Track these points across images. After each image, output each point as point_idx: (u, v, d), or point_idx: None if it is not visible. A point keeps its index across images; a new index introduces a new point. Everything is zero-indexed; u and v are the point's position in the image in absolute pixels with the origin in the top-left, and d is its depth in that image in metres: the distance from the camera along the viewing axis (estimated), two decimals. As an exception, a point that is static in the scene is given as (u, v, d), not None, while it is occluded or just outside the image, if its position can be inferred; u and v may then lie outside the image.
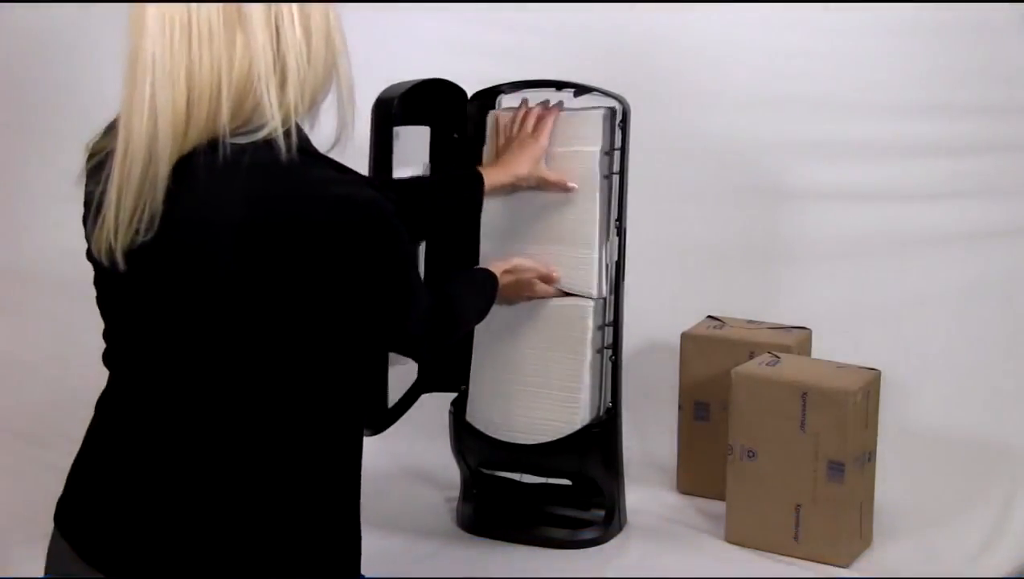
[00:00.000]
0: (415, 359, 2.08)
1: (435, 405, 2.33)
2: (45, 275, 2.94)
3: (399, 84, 2.13)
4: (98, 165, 1.41)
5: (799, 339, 2.44)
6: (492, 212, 2.25)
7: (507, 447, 2.24)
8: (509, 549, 2.24)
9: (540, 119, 2.18)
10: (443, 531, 2.32)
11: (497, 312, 2.23)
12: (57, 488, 1.53)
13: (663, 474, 2.54)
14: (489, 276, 1.99)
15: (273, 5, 1.37)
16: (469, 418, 2.27)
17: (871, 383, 2.19)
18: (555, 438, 2.20)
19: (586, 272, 2.20)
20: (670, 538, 2.30)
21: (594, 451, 2.23)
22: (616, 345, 2.24)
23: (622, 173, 2.21)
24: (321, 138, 1.46)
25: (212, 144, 1.36)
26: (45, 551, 1.52)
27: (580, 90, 2.23)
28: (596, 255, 2.20)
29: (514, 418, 2.23)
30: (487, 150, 2.26)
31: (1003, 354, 2.79)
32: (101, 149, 1.43)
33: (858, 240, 2.86)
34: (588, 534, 2.26)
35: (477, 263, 2.27)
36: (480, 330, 2.26)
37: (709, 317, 2.55)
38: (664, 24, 2.84)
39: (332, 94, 1.45)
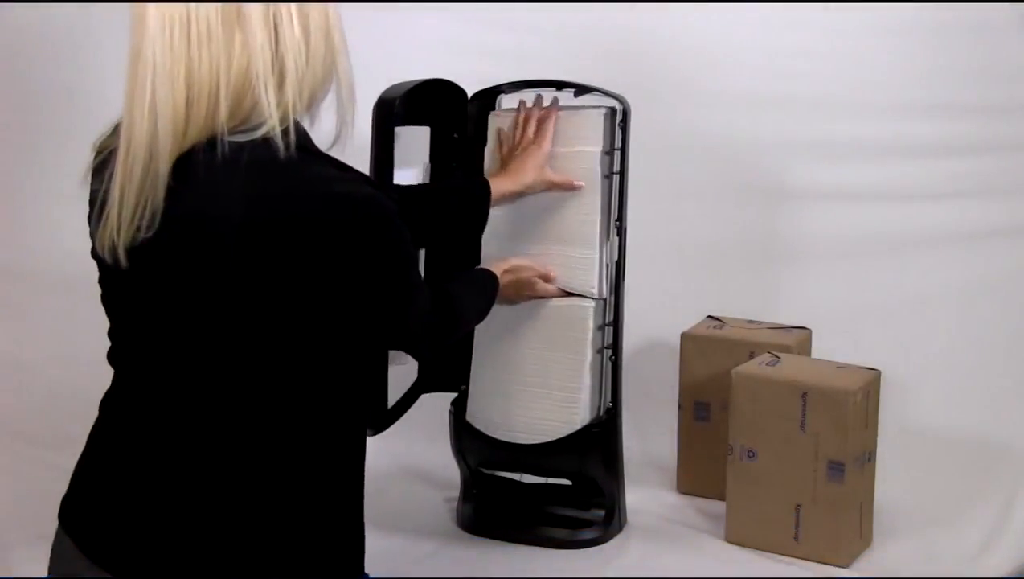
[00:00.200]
0: (415, 357, 2.07)
1: (435, 405, 2.33)
2: (46, 275, 2.94)
3: (400, 84, 2.13)
4: (103, 163, 1.42)
5: (799, 339, 2.44)
6: (493, 213, 2.25)
7: (507, 447, 2.24)
8: (509, 549, 2.24)
9: (540, 122, 2.18)
10: (443, 531, 2.32)
11: (497, 312, 2.23)
12: (57, 488, 1.53)
13: (663, 474, 2.54)
14: (489, 276, 1.99)
15: (272, 4, 1.37)
16: (469, 418, 2.27)
17: (871, 383, 2.19)
18: (555, 438, 2.20)
19: (586, 272, 2.20)
20: (670, 538, 2.30)
21: (594, 451, 2.23)
22: (616, 345, 2.24)
23: (622, 173, 2.21)
24: (321, 136, 1.46)
25: (211, 142, 1.36)
26: (46, 551, 1.52)
27: (580, 90, 2.23)
28: (596, 255, 2.20)
29: (514, 418, 2.23)
30: (488, 153, 2.26)
31: (1003, 354, 2.79)
32: (107, 147, 1.44)
33: (858, 240, 2.86)
34: (588, 534, 2.27)
35: (478, 263, 2.27)
36: (480, 330, 2.26)
37: (709, 317, 2.55)
38: (664, 24, 2.84)
39: (332, 93, 1.45)
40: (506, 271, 2.06)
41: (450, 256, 2.27)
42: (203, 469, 1.43)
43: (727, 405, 2.25)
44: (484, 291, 1.96)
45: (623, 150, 2.21)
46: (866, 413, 2.18)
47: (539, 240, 2.22)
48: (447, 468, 2.38)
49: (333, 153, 1.45)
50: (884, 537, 2.27)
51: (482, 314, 1.97)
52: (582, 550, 2.24)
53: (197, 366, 1.42)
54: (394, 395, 2.22)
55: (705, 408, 2.45)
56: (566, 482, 2.33)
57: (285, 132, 1.37)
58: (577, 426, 2.20)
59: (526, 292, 2.15)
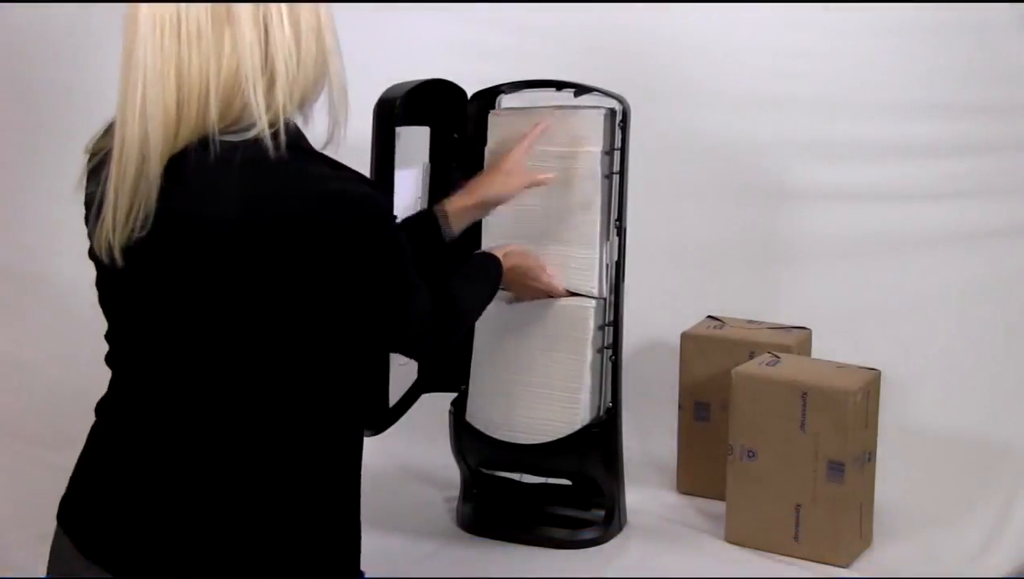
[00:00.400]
0: (416, 358, 2.03)
1: (435, 405, 2.33)
2: (46, 275, 2.94)
3: (401, 84, 2.13)
4: (98, 165, 1.42)
5: (799, 339, 2.44)
6: (493, 212, 2.25)
7: (507, 447, 2.24)
8: (509, 549, 2.24)
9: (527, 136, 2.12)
10: (443, 531, 2.32)
11: (497, 312, 2.24)
12: (57, 488, 1.53)
13: (663, 474, 2.54)
14: (491, 261, 1.94)
15: (262, 5, 1.36)
16: (469, 418, 2.27)
17: (871, 383, 2.19)
18: (555, 438, 2.20)
19: (586, 272, 2.20)
20: (670, 538, 2.30)
21: (594, 451, 2.23)
22: (616, 345, 2.24)
23: (622, 173, 2.21)
24: (315, 135, 1.46)
25: (203, 142, 1.36)
26: (46, 551, 1.52)
27: (580, 90, 2.23)
28: (596, 255, 2.20)
29: (514, 418, 2.23)
30: (488, 153, 2.26)
31: (1003, 354, 2.79)
32: (100, 149, 1.44)
33: (858, 240, 2.86)
34: (588, 534, 2.27)
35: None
36: (480, 330, 2.26)
37: (709, 317, 2.55)
38: (664, 24, 2.84)
39: (324, 93, 1.45)
40: (507, 254, 2.00)
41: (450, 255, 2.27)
42: (200, 469, 1.43)
43: (727, 405, 2.25)
44: (487, 278, 1.92)
45: (623, 150, 2.21)
46: (866, 413, 2.18)
47: (539, 240, 2.22)
48: (447, 468, 2.38)
49: (327, 152, 1.44)
50: (884, 537, 2.27)
51: (487, 301, 1.92)
52: (582, 550, 2.24)
53: (193, 366, 1.42)
54: (394, 395, 2.22)
55: (705, 408, 2.45)
56: (566, 482, 2.33)
57: (276, 133, 1.37)
58: (577, 426, 2.20)
59: (531, 280, 2.12)
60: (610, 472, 2.26)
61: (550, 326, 2.21)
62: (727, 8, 2.82)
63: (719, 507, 2.30)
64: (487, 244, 2.26)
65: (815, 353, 2.48)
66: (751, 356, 2.33)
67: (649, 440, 2.62)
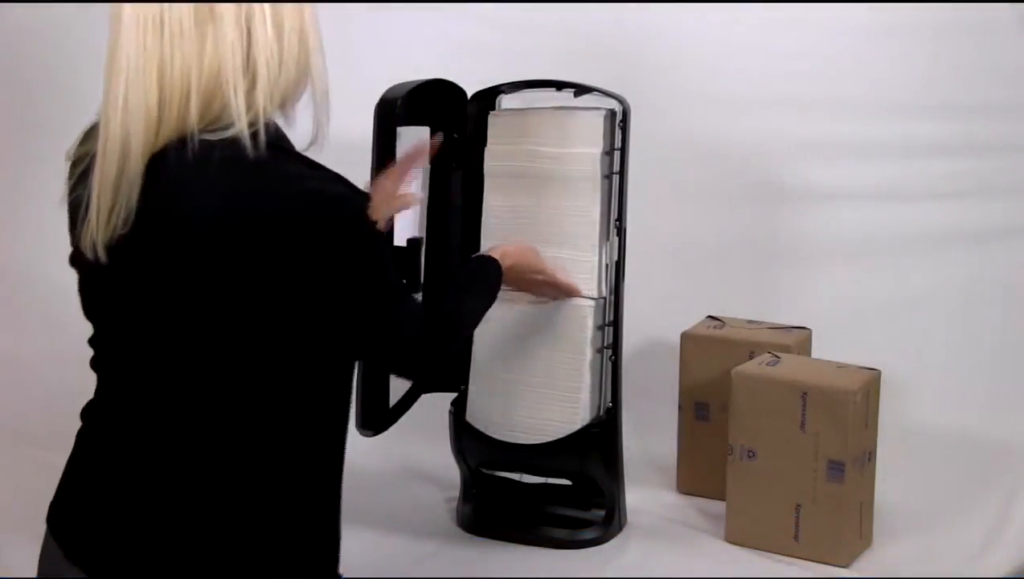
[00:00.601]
0: (412, 374, 1.81)
1: (435, 405, 2.33)
2: (45, 275, 2.94)
3: (402, 84, 2.12)
4: (85, 170, 1.43)
5: (799, 339, 2.44)
6: (492, 212, 2.26)
7: (507, 447, 2.24)
8: (509, 549, 2.24)
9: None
10: (443, 531, 2.32)
11: (497, 312, 2.24)
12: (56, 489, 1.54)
13: (663, 474, 2.54)
14: (488, 263, 1.89)
15: (244, 5, 1.36)
16: (469, 418, 2.27)
17: (871, 383, 2.19)
18: (555, 438, 2.20)
19: (586, 272, 2.20)
20: (670, 538, 2.30)
21: (594, 451, 2.23)
22: (616, 345, 2.24)
23: (622, 173, 2.21)
24: (297, 136, 1.46)
25: (184, 141, 1.37)
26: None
27: (580, 90, 2.23)
28: (596, 255, 2.20)
29: (514, 418, 2.24)
30: (488, 153, 2.26)
31: (1003, 354, 2.80)
32: (84, 155, 1.44)
33: (858, 240, 2.87)
34: (588, 534, 2.26)
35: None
36: (480, 330, 2.26)
37: (709, 317, 2.55)
38: (664, 24, 2.84)
39: (309, 94, 1.44)
40: (504, 254, 1.94)
41: (449, 255, 2.27)
42: (178, 472, 1.42)
43: (727, 405, 2.25)
44: (485, 282, 1.87)
45: (623, 150, 2.21)
46: (866, 413, 2.18)
47: (539, 240, 2.21)
48: (447, 468, 2.38)
49: (310, 154, 1.43)
50: (884, 537, 2.27)
51: (486, 307, 1.87)
52: (582, 550, 2.24)
53: (174, 369, 1.42)
54: (394, 395, 2.22)
55: (705, 408, 2.45)
56: (566, 482, 2.33)
57: (255, 132, 1.36)
58: (577, 426, 2.20)
59: (534, 274, 2.06)
60: (610, 472, 2.26)
61: (550, 326, 2.21)
62: (727, 8, 2.82)
63: (719, 507, 2.30)
64: (486, 245, 2.26)
65: (815, 353, 2.48)
66: (751, 356, 2.33)
67: (649, 440, 2.61)
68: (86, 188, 1.40)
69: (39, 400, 2.82)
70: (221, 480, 1.43)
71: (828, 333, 2.55)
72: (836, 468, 2.14)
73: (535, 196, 2.22)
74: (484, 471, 2.34)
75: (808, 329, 2.50)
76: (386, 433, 2.18)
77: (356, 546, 2.23)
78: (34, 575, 1.55)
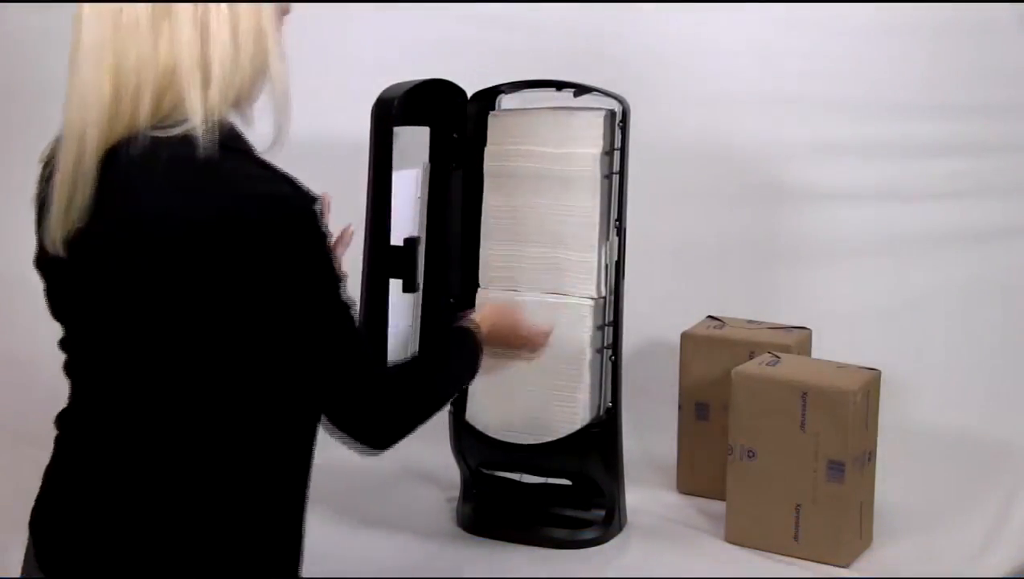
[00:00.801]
0: (363, 437, 1.56)
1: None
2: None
3: (399, 84, 2.12)
4: (54, 170, 1.43)
5: (799, 339, 2.44)
6: (492, 212, 2.26)
7: (507, 447, 2.24)
8: (509, 549, 2.24)
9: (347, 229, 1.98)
10: (443, 531, 2.32)
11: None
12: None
13: (663, 474, 2.54)
14: (466, 335, 1.75)
15: (201, 4, 1.36)
16: (469, 418, 2.27)
17: (871, 383, 2.19)
18: (555, 438, 2.20)
19: (586, 272, 2.20)
20: (670, 538, 2.30)
21: (594, 451, 2.23)
22: (616, 345, 2.24)
23: (622, 173, 2.21)
24: (259, 138, 1.45)
25: (135, 137, 1.37)
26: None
27: (580, 90, 2.23)
28: (596, 255, 2.20)
29: (514, 418, 2.23)
30: (488, 153, 2.26)
31: (1003, 354, 2.80)
32: (54, 154, 1.44)
33: (858, 240, 2.87)
34: (588, 534, 2.26)
35: (477, 264, 2.27)
36: (480, 330, 2.26)
37: (709, 317, 2.55)
38: (664, 24, 2.84)
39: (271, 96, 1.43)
40: (482, 319, 1.80)
41: (449, 255, 2.27)
42: (136, 480, 1.41)
43: (727, 405, 2.25)
44: (462, 356, 1.73)
45: (623, 150, 2.21)
46: (866, 413, 2.18)
47: (539, 241, 2.22)
48: (447, 468, 2.38)
49: (270, 156, 1.42)
50: (884, 537, 2.27)
51: (463, 381, 1.76)
52: (582, 550, 2.24)
53: (131, 372, 1.40)
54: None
55: (705, 408, 2.45)
56: (566, 482, 2.33)
57: (206, 131, 1.35)
58: (577, 426, 2.20)
59: (514, 330, 1.91)
60: (610, 472, 2.26)
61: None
62: (727, 8, 2.82)
63: (719, 507, 2.30)
64: (486, 245, 2.26)
65: (815, 353, 2.48)
66: (751, 356, 2.33)
67: (649, 440, 2.62)
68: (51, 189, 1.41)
69: (39, 400, 2.82)
70: (178, 487, 1.41)
71: (828, 333, 2.55)
72: (836, 468, 2.14)
73: (535, 196, 2.22)
74: (484, 471, 2.34)
75: (808, 329, 2.50)
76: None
77: (356, 546, 2.24)
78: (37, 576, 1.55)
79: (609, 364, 2.24)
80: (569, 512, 2.32)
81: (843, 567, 2.16)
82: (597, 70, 2.42)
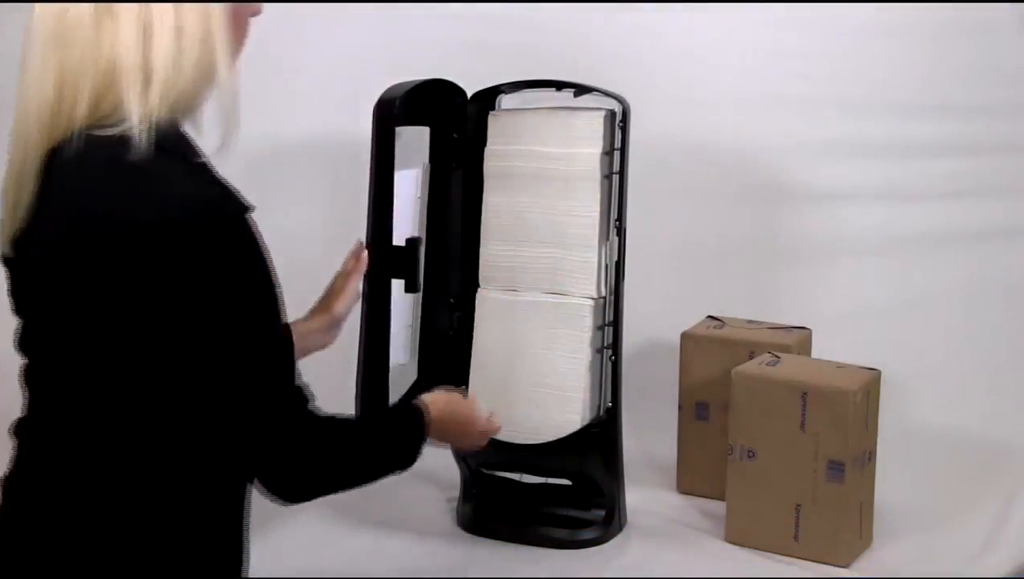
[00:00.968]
0: (273, 479, 1.47)
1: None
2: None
3: (401, 84, 2.12)
4: None
5: (799, 339, 2.44)
6: (492, 212, 2.26)
7: (507, 447, 2.24)
8: (509, 549, 2.24)
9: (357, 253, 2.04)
10: (443, 531, 2.32)
11: (496, 312, 2.24)
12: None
13: (663, 474, 2.54)
14: (412, 410, 1.67)
15: (146, 5, 1.36)
16: (469, 418, 2.27)
17: (871, 383, 2.19)
18: (555, 438, 2.20)
19: (586, 272, 2.20)
20: (670, 538, 2.30)
21: (594, 451, 2.23)
22: (616, 345, 2.24)
23: (622, 173, 2.21)
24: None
25: (72, 136, 1.37)
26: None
27: (580, 90, 2.23)
28: (596, 255, 2.20)
29: (514, 418, 2.23)
30: (488, 153, 2.26)
31: (1003, 354, 2.80)
32: None
33: (858, 240, 2.87)
34: (588, 534, 2.26)
35: (477, 264, 2.27)
36: (480, 329, 2.26)
37: (709, 317, 2.55)
38: (664, 24, 2.84)
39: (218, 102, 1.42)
40: (433, 402, 1.72)
41: (449, 255, 2.27)
42: (69, 491, 1.40)
43: (727, 405, 2.25)
44: (400, 430, 1.63)
45: (623, 150, 2.21)
46: (866, 413, 2.18)
47: (539, 241, 2.22)
48: (447, 468, 2.38)
49: (218, 161, 1.41)
50: (884, 537, 2.27)
51: (395, 457, 1.60)
52: (582, 550, 2.24)
53: (66, 381, 1.40)
54: (394, 395, 2.21)
55: (705, 408, 2.45)
56: (566, 482, 2.33)
57: (143, 132, 1.34)
58: (577, 426, 2.20)
59: (465, 425, 1.83)
60: (610, 472, 2.26)
61: (549, 326, 2.21)
62: (727, 8, 2.82)
63: (719, 507, 2.30)
64: (486, 245, 2.26)
65: (815, 353, 2.48)
66: (751, 356, 2.33)
67: (649, 440, 2.61)
68: None
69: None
70: (110, 497, 1.40)
71: (828, 333, 2.55)
72: (836, 468, 2.14)
73: (535, 196, 2.21)
74: (484, 471, 2.34)
75: (808, 329, 2.50)
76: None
77: (356, 546, 2.24)
78: None
79: (609, 364, 2.24)
80: (569, 512, 2.32)
81: (843, 567, 2.16)
82: (597, 70, 2.42)
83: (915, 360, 2.74)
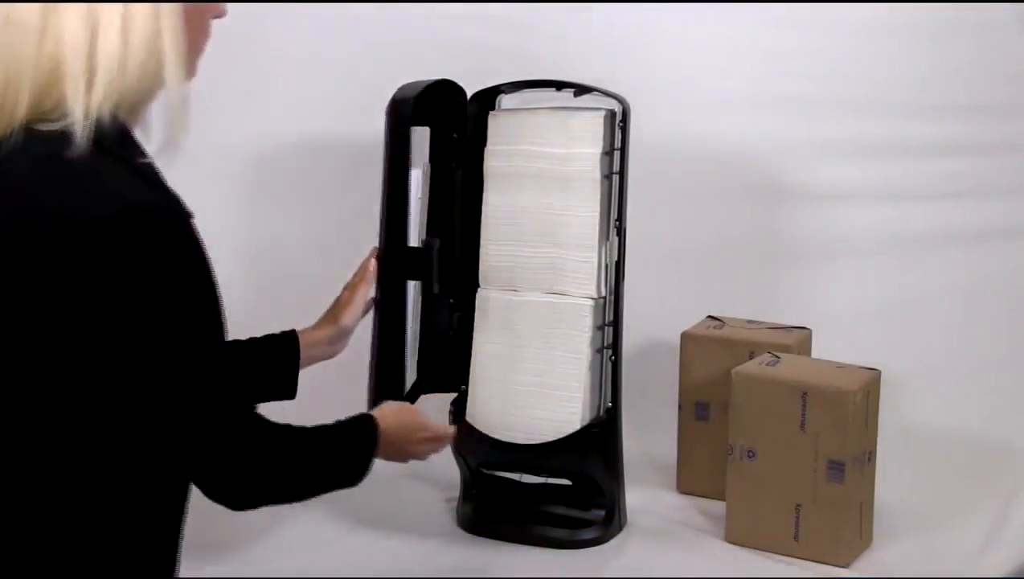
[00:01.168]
0: (214, 489, 1.45)
1: (435, 405, 2.33)
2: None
3: (412, 84, 2.12)
4: None
5: (799, 339, 2.44)
6: (492, 212, 2.26)
7: (507, 447, 2.24)
8: (509, 549, 2.24)
9: (365, 264, 2.08)
10: (443, 531, 2.32)
11: (496, 312, 2.24)
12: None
13: (663, 474, 2.54)
14: (363, 420, 1.67)
15: (93, 4, 1.35)
16: (469, 418, 2.27)
17: (871, 383, 2.19)
18: (555, 438, 2.20)
19: (586, 272, 2.20)
20: (670, 538, 2.30)
21: (594, 451, 2.23)
22: (616, 345, 2.24)
23: (622, 173, 2.21)
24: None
25: (11, 130, 1.36)
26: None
27: (580, 90, 2.23)
28: (596, 255, 2.20)
29: (514, 418, 2.23)
30: (488, 153, 2.26)
31: (1003, 354, 2.80)
32: None
33: (858, 240, 2.87)
34: (588, 534, 2.26)
35: (477, 265, 2.27)
36: (479, 329, 2.26)
37: (709, 317, 2.55)
38: (664, 24, 2.84)
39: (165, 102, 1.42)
40: (382, 414, 1.72)
41: (449, 255, 2.27)
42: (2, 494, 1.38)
43: (727, 405, 2.25)
44: (349, 438, 1.62)
45: (623, 150, 2.21)
46: (866, 413, 2.18)
47: (539, 241, 2.22)
48: (447, 468, 2.38)
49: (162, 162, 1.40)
50: (884, 537, 2.27)
51: (344, 464, 1.58)
52: (582, 550, 2.24)
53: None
54: (394, 395, 2.22)
55: (705, 408, 2.45)
56: (566, 482, 2.33)
57: (83, 129, 1.34)
58: (577, 426, 2.20)
59: (416, 433, 1.82)
60: (610, 472, 2.26)
61: (549, 326, 2.21)
62: (727, 8, 2.82)
63: (719, 507, 2.30)
64: (486, 245, 2.26)
65: (815, 353, 2.48)
66: (751, 356, 2.33)
67: (649, 440, 2.61)
68: None
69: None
70: (37, 500, 1.38)
71: (828, 333, 2.55)
72: (836, 468, 2.14)
73: (535, 196, 2.21)
74: (484, 471, 2.34)
75: (808, 329, 2.50)
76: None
77: (356, 546, 2.24)
78: None
79: (609, 364, 2.24)
80: (569, 512, 2.32)
81: (843, 567, 2.16)
82: (597, 70, 2.42)
83: (915, 360, 2.74)
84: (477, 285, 2.28)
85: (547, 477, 2.34)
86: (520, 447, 2.23)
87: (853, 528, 2.19)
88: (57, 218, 1.32)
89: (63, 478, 1.38)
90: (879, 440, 2.25)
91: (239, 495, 1.45)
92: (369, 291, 2.05)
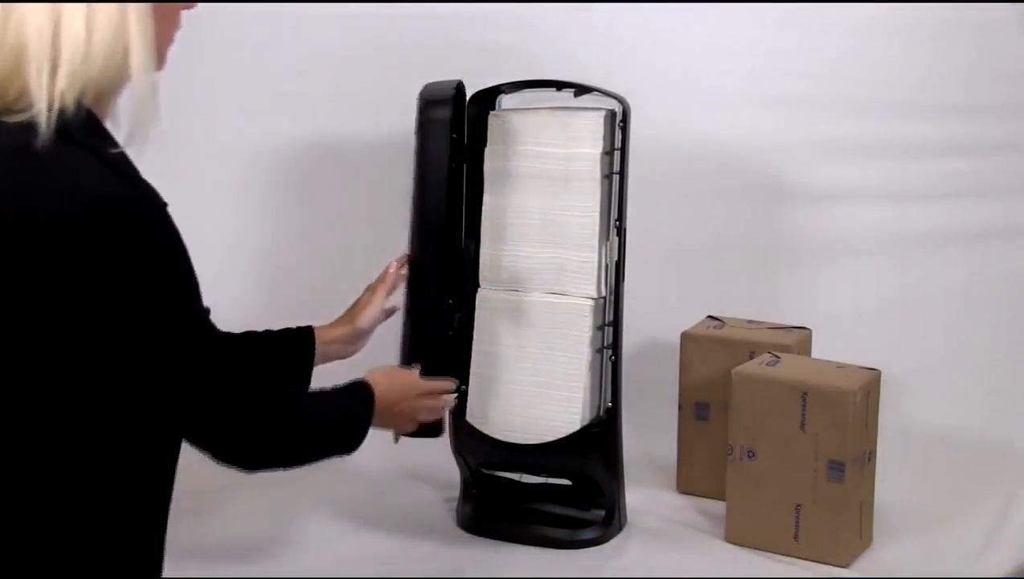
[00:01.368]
0: (227, 447, 1.49)
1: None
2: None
3: (439, 84, 2.12)
4: None
5: (799, 339, 2.44)
6: (491, 213, 2.26)
7: (507, 447, 2.24)
8: (509, 549, 2.24)
9: (387, 268, 2.10)
10: (443, 531, 2.32)
11: (496, 312, 2.24)
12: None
13: (663, 474, 2.54)
14: (359, 388, 1.69)
15: None
16: (469, 418, 2.27)
17: (871, 383, 2.19)
18: (555, 438, 2.20)
19: (586, 272, 2.20)
20: (670, 538, 2.30)
21: (594, 451, 2.23)
22: (616, 345, 2.24)
23: (622, 173, 2.21)
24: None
25: None
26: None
27: (580, 90, 2.23)
28: (596, 255, 2.20)
29: (514, 418, 2.23)
30: (488, 153, 2.26)
31: (1003, 354, 2.80)
32: None
33: (858, 240, 2.87)
34: (588, 534, 2.26)
35: (477, 265, 2.27)
36: (479, 329, 2.26)
37: (709, 317, 2.55)
38: (664, 24, 2.84)
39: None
40: (376, 382, 1.74)
41: (449, 256, 2.27)
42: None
43: (727, 405, 2.25)
44: (350, 406, 1.66)
45: (623, 150, 2.21)
46: (866, 413, 2.18)
47: (539, 241, 2.22)
48: (447, 468, 2.38)
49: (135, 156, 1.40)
50: (884, 537, 2.27)
51: (342, 435, 1.63)
52: (582, 550, 2.24)
53: None
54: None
55: (705, 408, 2.45)
56: (566, 482, 2.33)
57: (47, 118, 1.33)
58: (577, 426, 2.20)
59: (420, 388, 1.88)
60: (610, 472, 2.26)
61: (549, 326, 2.21)
62: (728, 8, 2.82)
63: (719, 507, 2.30)
64: (486, 245, 2.26)
65: (815, 353, 2.48)
66: (751, 356, 2.33)
67: (649, 440, 2.61)
68: None
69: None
70: (27, 490, 1.38)
71: (828, 333, 2.55)
72: (836, 468, 2.14)
73: (535, 196, 2.21)
74: (484, 471, 2.34)
75: (808, 329, 2.50)
76: (386, 433, 2.18)
77: (356, 546, 2.24)
78: None
79: (609, 364, 2.24)
80: (569, 512, 2.32)
81: (843, 567, 2.16)
82: (597, 70, 2.42)
83: (915, 360, 2.74)
84: (477, 285, 2.28)
85: (547, 477, 2.34)
86: (520, 447, 2.23)
87: (853, 528, 2.19)
88: (28, 210, 1.31)
89: (50, 474, 1.38)
90: (879, 440, 2.25)
91: (244, 453, 1.49)
92: (385, 294, 2.05)
